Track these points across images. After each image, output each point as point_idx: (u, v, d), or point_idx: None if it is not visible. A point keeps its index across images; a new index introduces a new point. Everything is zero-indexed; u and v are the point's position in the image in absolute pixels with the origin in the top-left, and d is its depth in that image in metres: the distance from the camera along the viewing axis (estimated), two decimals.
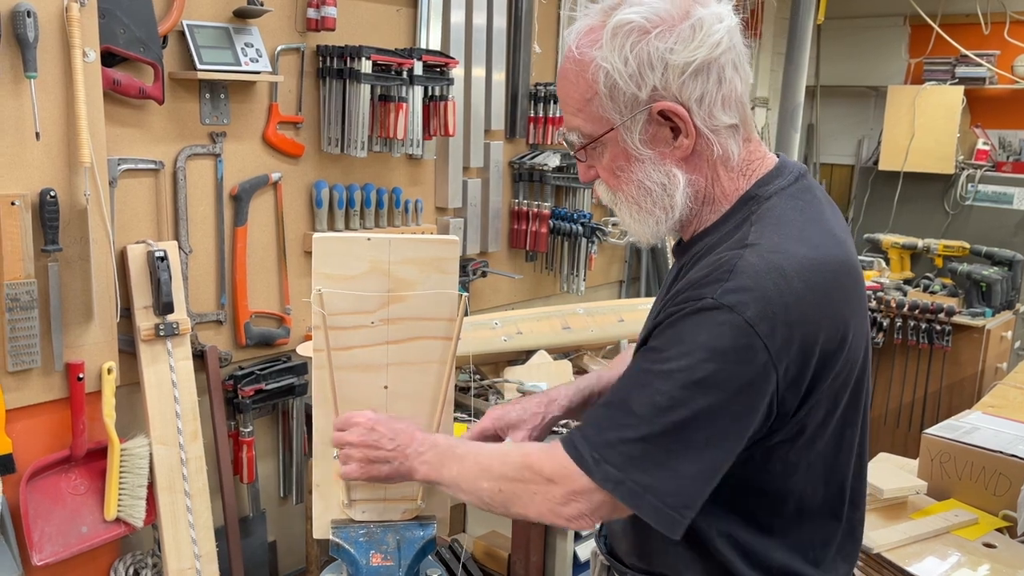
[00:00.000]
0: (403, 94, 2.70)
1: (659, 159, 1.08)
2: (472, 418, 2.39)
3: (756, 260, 1.00)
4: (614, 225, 3.58)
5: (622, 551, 1.26)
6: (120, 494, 2.21)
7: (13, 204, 1.95)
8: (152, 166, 2.32)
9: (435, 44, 2.95)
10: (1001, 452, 1.93)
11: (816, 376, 1.03)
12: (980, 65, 4.51)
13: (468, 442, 1.24)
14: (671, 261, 4.14)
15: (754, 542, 1.11)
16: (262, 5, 2.40)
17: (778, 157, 1.16)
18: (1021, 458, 1.90)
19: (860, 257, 4.45)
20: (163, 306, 2.23)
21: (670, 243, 3.96)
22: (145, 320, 2.26)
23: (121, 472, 2.20)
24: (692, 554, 1.11)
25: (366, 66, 2.58)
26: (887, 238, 4.46)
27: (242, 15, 2.41)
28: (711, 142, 1.07)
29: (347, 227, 2.77)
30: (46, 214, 1.99)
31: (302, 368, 2.67)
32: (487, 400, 2.53)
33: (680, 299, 1.03)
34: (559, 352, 2.79)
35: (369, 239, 1.36)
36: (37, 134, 1.97)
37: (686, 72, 1.03)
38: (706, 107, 1.05)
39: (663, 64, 1.02)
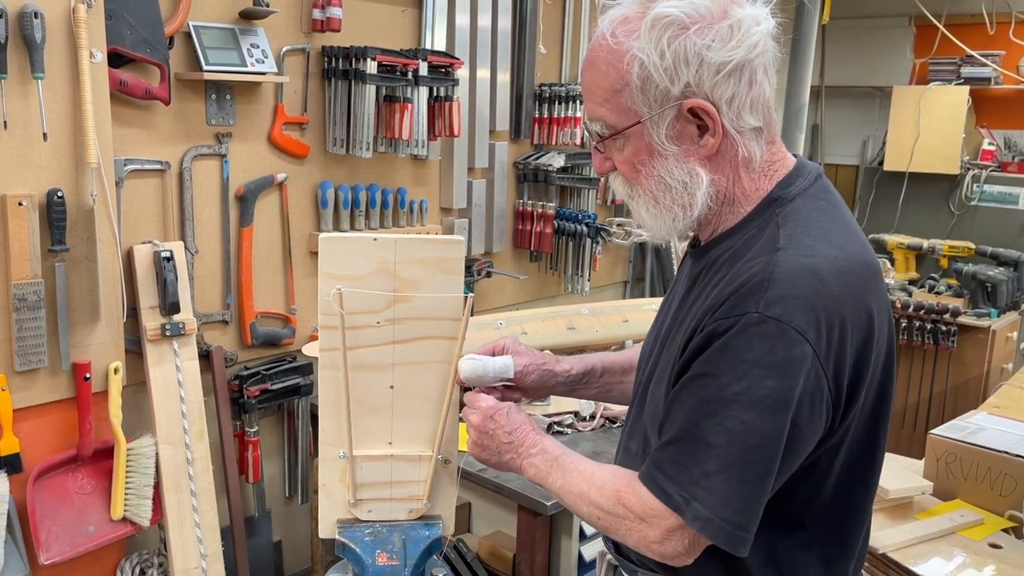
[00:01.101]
0: (408, 95, 2.70)
1: (683, 156, 1.07)
2: None
3: (792, 265, 1.00)
4: (619, 225, 3.58)
5: (635, 554, 1.26)
6: (126, 493, 2.21)
7: (21, 204, 1.95)
8: (158, 166, 2.33)
9: (440, 45, 2.95)
10: (1007, 452, 1.93)
11: (857, 375, 1.04)
12: (985, 65, 4.49)
13: (570, 455, 1.24)
14: (676, 261, 4.14)
15: (778, 544, 1.11)
16: (268, 6, 2.41)
17: (795, 158, 1.15)
18: None
19: None
20: (169, 306, 2.24)
21: (676, 244, 3.96)
22: (151, 320, 2.26)
23: (127, 472, 2.21)
24: (709, 557, 1.10)
25: (371, 67, 2.58)
26: (892, 239, 4.45)
27: (248, 16, 2.42)
28: (736, 143, 1.07)
29: (352, 227, 2.77)
30: (53, 214, 2.00)
31: (307, 368, 2.68)
32: None
33: (720, 313, 1.01)
34: (564, 352, 2.78)
35: (375, 239, 1.37)
36: (44, 135, 1.98)
37: (721, 72, 1.02)
38: (735, 108, 1.04)
39: (699, 61, 1.02)
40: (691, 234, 1.19)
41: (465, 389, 1.42)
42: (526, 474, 1.26)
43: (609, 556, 1.33)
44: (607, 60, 1.06)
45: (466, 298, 1.39)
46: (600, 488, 1.14)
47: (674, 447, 1.05)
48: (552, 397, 2.52)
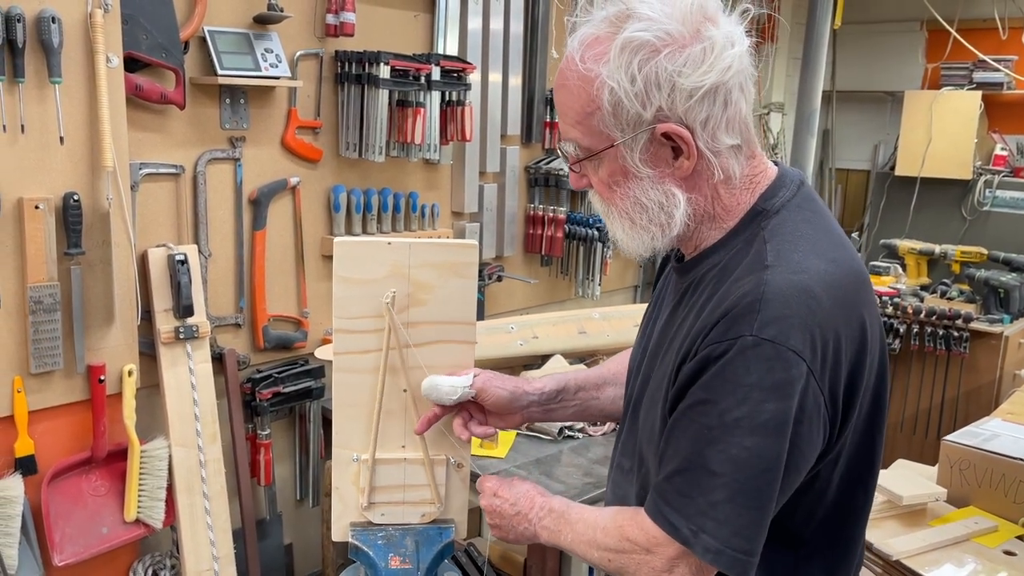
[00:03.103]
0: (421, 99, 2.71)
1: (658, 178, 1.06)
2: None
3: (783, 284, 0.99)
4: None
5: None
6: (140, 495, 2.22)
7: (37, 208, 1.97)
8: (173, 170, 2.34)
9: (452, 49, 2.96)
10: (1021, 459, 1.92)
11: (852, 388, 1.03)
12: (998, 70, 4.48)
13: (577, 506, 1.23)
14: None
15: (782, 559, 1.10)
16: (282, 11, 2.42)
17: (776, 165, 1.14)
18: None
19: (876, 263, 4.45)
20: (183, 309, 2.25)
21: None
22: (165, 323, 2.28)
23: (141, 474, 2.22)
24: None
25: (384, 71, 2.59)
26: (904, 244, 4.44)
27: (262, 21, 2.43)
28: (712, 164, 1.05)
29: (364, 231, 2.78)
30: (69, 218, 2.01)
31: (319, 371, 2.69)
32: None
33: (712, 337, 1.00)
34: (575, 357, 2.79)
35: (389, 243, 1.37)
36: (61, 139, 1.99)
37: (694, 96, 1.00)
38: (710, 130, 1.03)
39: (670, 85, 1.00)
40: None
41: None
42: (541, 539, 1.25)
43: None
44: (577, 85, 1.05)
45: (391, 298, 1.35)
46: (604, 529, 1.14)
47: (678, 478, 1.03)
48: None
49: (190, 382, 2.31)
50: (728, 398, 0.98)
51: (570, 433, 2.39)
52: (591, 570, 2.20)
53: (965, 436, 2.06)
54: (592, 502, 2.11)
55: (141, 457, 2.21)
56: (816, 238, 1.06)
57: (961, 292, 4.03)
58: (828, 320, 0.99)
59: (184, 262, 2.26)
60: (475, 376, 1.36)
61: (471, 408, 1.38)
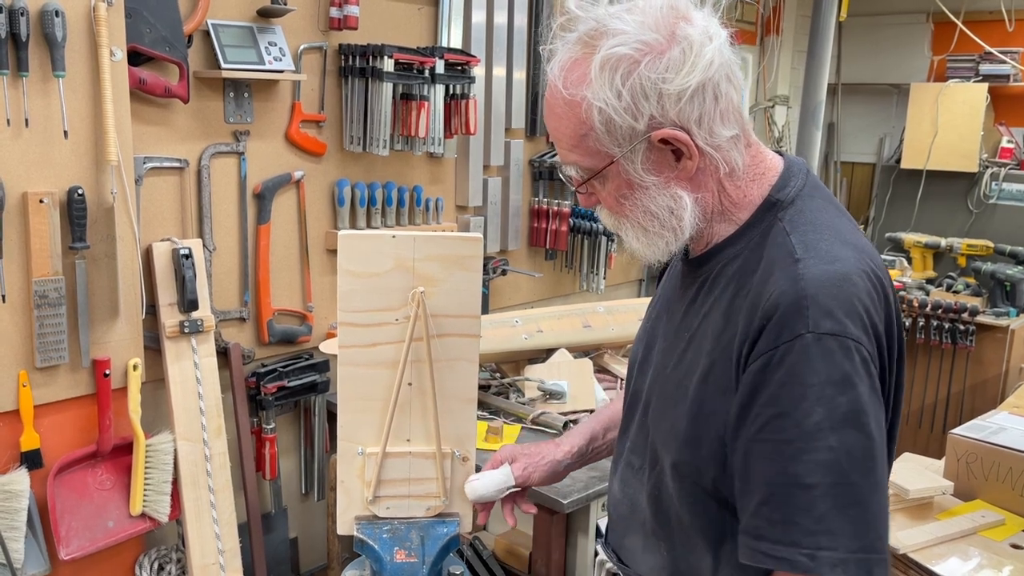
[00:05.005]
0: (425, 92, 2.70)
1: (663, 184, 1.05)
2: (492, 416, 2.39)
3: (821, 275, 0.98)
4: None
5: (644, 568, 1.23)
6: (145, 489, 2.23)
7: (42, 202, 1.97)
8: (177, 164, 2.34)
9: (456, 43, 2.95)
10: None
11: (889, 371, 1.03)
12: (1004, 62, 4.45)
13: None
14: None
15: None
16: (285, 4, 2.42)
17: (781, 156, 1.13)
18: None
19: (882, 256, 4.43)
20: (188, 303, 2.25)
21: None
22: (170, 317, 2.28)
23: (146, 468, 2.22)
24: (737, 570, 1.06)
25: (388, 64, 2.59)
26: (909, 237, 4.42)
27: (266, 14, 2.43)
28: (716, 159, 1.05)
29: (368, 225, 2.78)
30: (74, 212, 2.01)
31: (324, 365, 2.69)
32: (507, 398, 2.53)
33: (763, 345, 0.98)
34: (579, 350, 2.79)
35: (394, 236, 1.37)
36: (65, 132, 1.99)
37: (683, 98, 0.99)
38: (706, 126, 1.02)
39: (657, 93, 0.99)
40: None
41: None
42: None
43: (609, 564, 1.31)
44: (565, 110, 1.04)
45: (414, 294, 1.36)
46: None
47: (768, 508, 0.97)
48: (568, 395, 2.52)
49: (195, 376, 2.31)
50: (802, 404, 0.94)
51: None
52: (595, 563, 2.19)
53: (972, 429, 2.05)
54: (596, 496, 2.11)
55: (146, 451, 2.21)
56: (837, 225, 1.05)
57: (967, 285, 4.02)
58: (870, 305, 0.99)
59: (188, 256, 2.26)
60: (511, 465, 1.40)
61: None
